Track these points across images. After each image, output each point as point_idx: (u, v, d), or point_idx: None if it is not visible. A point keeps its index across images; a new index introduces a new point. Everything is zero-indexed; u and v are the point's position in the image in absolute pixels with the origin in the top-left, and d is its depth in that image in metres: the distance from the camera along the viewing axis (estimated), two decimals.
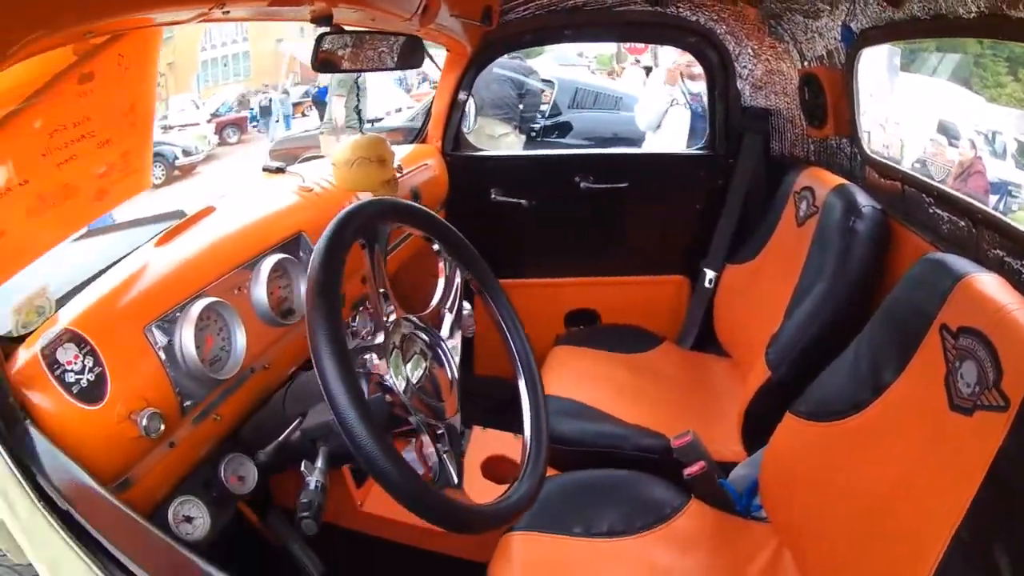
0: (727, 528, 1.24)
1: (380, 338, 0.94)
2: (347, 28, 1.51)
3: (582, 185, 2.07)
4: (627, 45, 9.46)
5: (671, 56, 3.66)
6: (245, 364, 1.15)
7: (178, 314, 1.07)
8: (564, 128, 5.85)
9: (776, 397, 1.31)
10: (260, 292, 1.22)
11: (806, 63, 1.70)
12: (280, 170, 1.60)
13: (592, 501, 1.26)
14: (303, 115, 15.33)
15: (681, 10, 1.92)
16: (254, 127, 14.76)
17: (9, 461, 0.82)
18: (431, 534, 1.34)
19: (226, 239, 1.28)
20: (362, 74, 1.99)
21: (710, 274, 2.00)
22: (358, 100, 2.00)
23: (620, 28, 2.17)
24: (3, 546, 0.94)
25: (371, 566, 1.45)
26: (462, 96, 2.10)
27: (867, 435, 0.98)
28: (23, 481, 0.81)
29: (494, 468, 1.49)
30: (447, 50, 2.05)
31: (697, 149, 2.21)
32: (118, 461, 0.93)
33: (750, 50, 1.91)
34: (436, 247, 1.10)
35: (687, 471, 1.28)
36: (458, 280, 1.11)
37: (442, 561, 1.39)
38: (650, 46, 7.96)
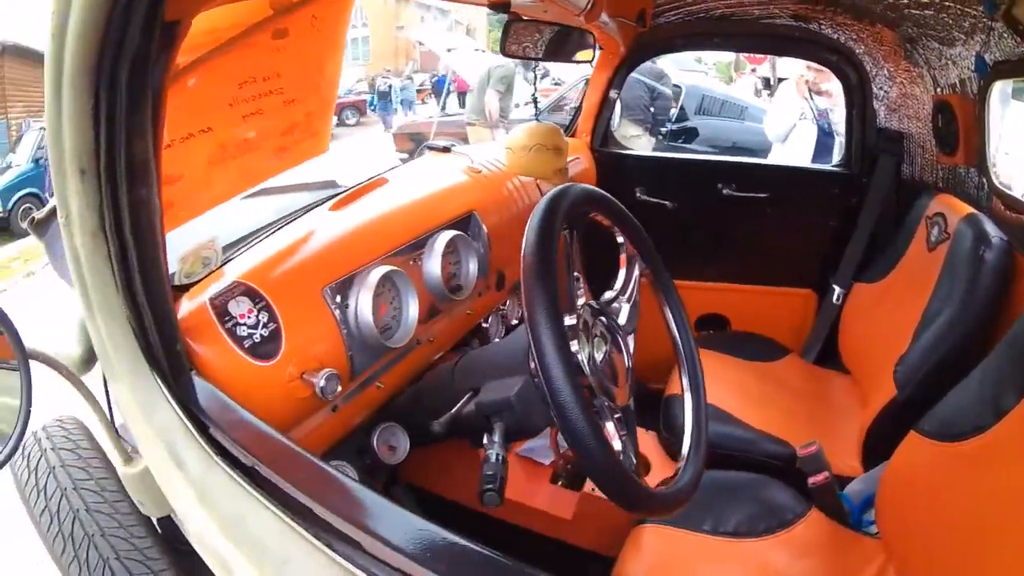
0: (840, 540, 1.27)
1: (572, 320, 0.92)
2: (523, 17, 1.56)
3: (724, 191, 2.14)
4: (747, 54, 9.23)
5: (791, 68, 3.61)
6: (414, 335, 1.15)
7: (355, 279, 1.07)
8: (690, 134, 5.78)
9: (900, 416, 1.34)
10: (434, 266, 1.22)
11: (939, 89, 1.71)
12: (446, 149, 1.67)
13: (721, 500, 1.31)
14: (423, 102, 15.69)
15: (823, 27, 1.96)
16: (372, 110, 15.09)
17: (180, 413, 0.78)
18: (559, 522, 1.37)
19: (400, 211, 1.30)
20: (538, 64, 2.14)
21: (838, 290, 2.02)
22: (534, 88, 2.16)
23: (765, 40, 2.22)
24: (137, 497, 0.93)
25: (495, 549, 1.50)
26: (613, 94, 2.19)
27: (986, 457, 1.01)
28: (196, 434, 0.77)
29: None
30: (600, 48, 2.10)
31: (834, 166, 2.23)
32: (282, 421, 0.91)
33: (886, 72, 1.93)
34: (620, 239, 1.09)
35: (812, 480, 1.31)
36: (636, 273, 1.10)
37: (566, 551, 1.40)
38: (768, 58, 7.73)
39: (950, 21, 1.49)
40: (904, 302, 1.59)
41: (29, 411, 0.79)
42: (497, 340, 1.51)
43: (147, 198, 0.75)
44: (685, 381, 1.08)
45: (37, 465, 1.36)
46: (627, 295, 1.08)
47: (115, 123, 0.70)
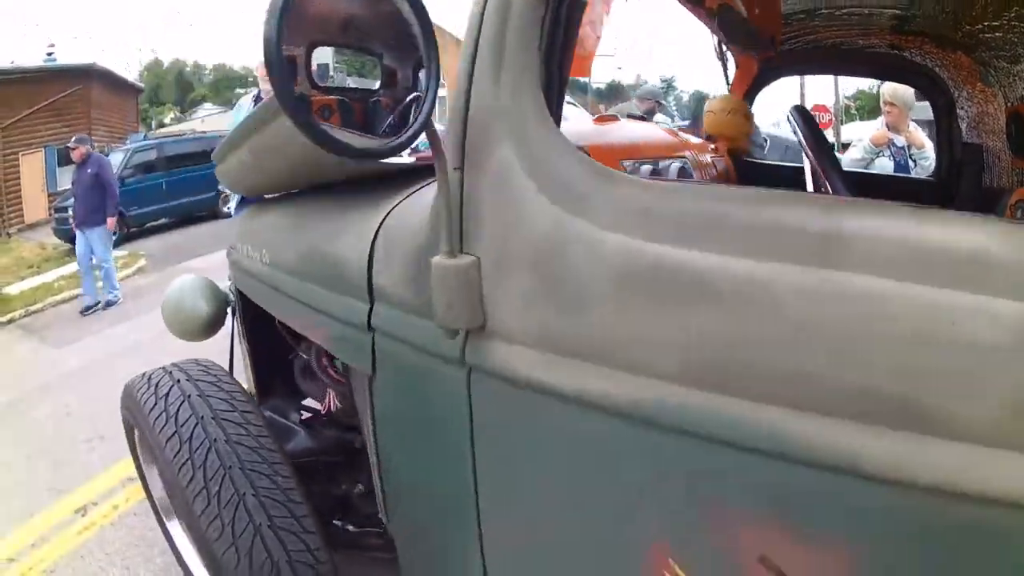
0: None
1: None
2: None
3: None
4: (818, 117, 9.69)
5: (858, 134, 3.84)
6: None
7: (629, 169, 1.18)
8: None
9: None
10: None
11: (1009, 103, 1.94)
12: (643, 118, 1.98)
13: None
14: None
15: (914, 55, 2.26)
16: None
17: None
18: None
19: (644, 139, 1.54)
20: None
21: None
22: (724, 64, 2.49)
23: (867, 67, 2.50)
24: (448, 299, 0.80)
25: None
26: None
27: None
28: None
29: None
30: (736, 66, 2.40)
31: (928, 177, 2.49)
32: None
33: (966, 92, 2.18)
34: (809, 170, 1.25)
35: None
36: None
37: None
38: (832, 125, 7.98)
39: (1015, 39, 1.75)
40: None
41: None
42: None
43: None
44: None
45: (168, 392, 1.30)
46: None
47: None
